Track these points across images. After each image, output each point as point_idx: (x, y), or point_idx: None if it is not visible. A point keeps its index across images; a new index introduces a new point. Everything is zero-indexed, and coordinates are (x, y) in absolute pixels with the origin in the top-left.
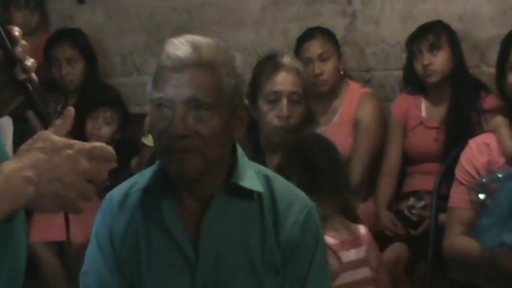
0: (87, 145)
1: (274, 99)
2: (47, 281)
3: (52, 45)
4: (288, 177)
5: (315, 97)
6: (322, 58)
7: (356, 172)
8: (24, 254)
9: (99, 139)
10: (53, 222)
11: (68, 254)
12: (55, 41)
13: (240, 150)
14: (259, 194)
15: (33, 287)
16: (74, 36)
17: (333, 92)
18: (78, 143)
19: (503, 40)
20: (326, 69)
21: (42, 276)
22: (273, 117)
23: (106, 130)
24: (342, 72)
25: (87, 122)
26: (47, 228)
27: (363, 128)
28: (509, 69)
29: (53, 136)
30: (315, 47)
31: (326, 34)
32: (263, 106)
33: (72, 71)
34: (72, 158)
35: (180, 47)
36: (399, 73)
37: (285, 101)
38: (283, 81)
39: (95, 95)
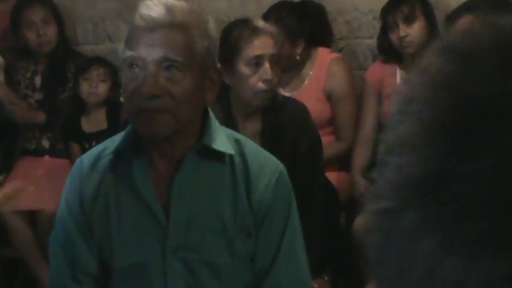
0: None
1: (257, 62)
2: (19, 249)
3: (24, 9)
4: None
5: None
6: None
7: (345, 139)
8: None
9: (97, 98)
10: (23, 191)
11: (40, 222)
12: (26, 5)
13: (211, 114)
14: (230, 156)
15: (5, 255)
16: (43, 1)
17: (304, 60)
18: None
19: None
20: None
21: (13, 244)
22: (256, 80)
23: (102, 87)
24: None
25: (81, 83)
26: (18, 197)
27: (338, 99)
28: None
29: None
30: None
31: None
32: (244, 70)
33: (49, 32)
34: None
35: (153, 8)
36: (372, 41)
37: (267, 64)
38: (264, 44)
39: (75, 58)
